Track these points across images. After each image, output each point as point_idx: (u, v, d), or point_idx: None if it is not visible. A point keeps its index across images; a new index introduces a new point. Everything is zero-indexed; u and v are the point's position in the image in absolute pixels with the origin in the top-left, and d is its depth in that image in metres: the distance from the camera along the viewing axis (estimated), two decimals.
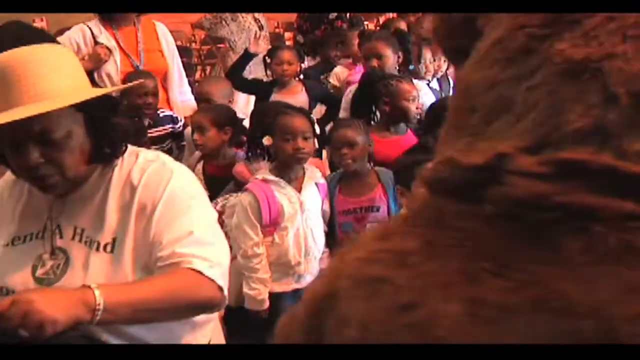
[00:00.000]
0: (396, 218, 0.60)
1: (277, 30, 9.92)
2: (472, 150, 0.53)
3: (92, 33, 3.69)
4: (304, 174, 2.75)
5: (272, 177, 2.67)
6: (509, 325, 0.47)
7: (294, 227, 2.67)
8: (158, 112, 3.67)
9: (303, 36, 5.76)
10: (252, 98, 4.30)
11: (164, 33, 3.92)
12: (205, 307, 1.51)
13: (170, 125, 3.64)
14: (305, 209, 2.69)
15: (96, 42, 3.69)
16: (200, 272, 1.42)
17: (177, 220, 1.46)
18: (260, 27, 5.44)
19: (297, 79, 4.14)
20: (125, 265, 1.44)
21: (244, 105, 4.31)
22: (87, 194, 1.51)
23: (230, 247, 2.61)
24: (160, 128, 3.61)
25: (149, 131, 3.54)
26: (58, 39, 3.83)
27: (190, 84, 4.24)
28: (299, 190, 2.71)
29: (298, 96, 4.06)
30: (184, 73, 4.04)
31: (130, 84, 3.01)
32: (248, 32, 5.28)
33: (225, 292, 1.49)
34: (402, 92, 3.21)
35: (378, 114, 3.37)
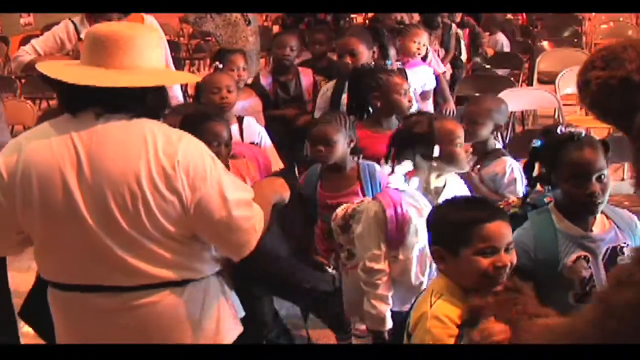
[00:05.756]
0: None
1: (265, 23, 9.94)
2: None
3: (76, 29, 3.69)
4: (445, 184, 2.53)
5: (405, 187, 2.45)
6: None
7: (421, 244, 2.41)
8: None
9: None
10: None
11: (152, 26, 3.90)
12: None
13: None
14: None
15: (80, 38, 3.68)
16: None
17: None
18: (248, 22, 5.43)
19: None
20: None
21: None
22: None
23: (353, 254, 2.53)
24: None
25: None
26: (43, 34, 3.86)
27: None
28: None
29: (251, 99, 3.96)
30: (172, 67, 4.03)
31: None
32: (234, 26, 5.27)
33: None
34: (392, 85, 3.16)
35: (370, 109, 3.28)
